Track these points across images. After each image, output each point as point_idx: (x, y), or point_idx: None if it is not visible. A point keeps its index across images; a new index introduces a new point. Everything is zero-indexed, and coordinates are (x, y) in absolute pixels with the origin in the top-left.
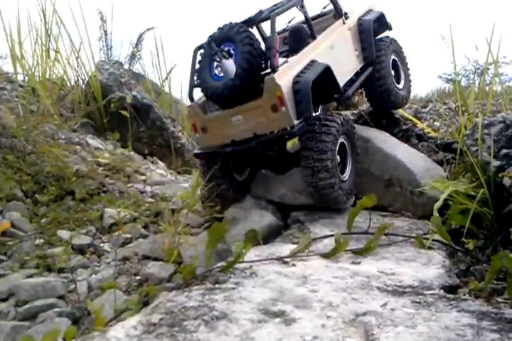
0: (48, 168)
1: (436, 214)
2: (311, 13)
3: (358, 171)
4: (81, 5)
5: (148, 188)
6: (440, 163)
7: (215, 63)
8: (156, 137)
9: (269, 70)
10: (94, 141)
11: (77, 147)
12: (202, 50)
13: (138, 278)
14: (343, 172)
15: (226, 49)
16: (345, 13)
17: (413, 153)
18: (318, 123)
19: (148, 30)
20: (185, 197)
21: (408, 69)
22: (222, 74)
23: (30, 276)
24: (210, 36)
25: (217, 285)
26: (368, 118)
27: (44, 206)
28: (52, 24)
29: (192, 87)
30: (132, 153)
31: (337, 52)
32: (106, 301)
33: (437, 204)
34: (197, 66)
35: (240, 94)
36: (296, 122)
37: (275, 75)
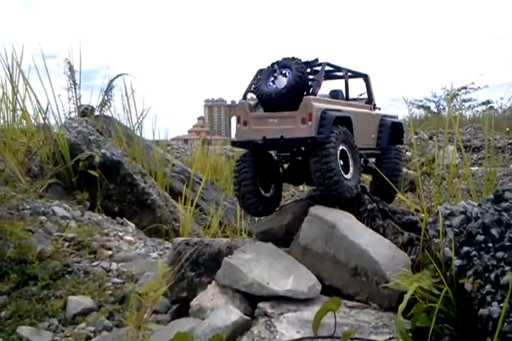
0: (10, 251)
1: (400, 318)
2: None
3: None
4: (45, 61)
5: (114, 266)
6: (406, 245)
7: (272, 78)
8: (126, 194)
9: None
10: (60, 209)
11: (43, 218)
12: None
13: None
14: (346, 172)
15: (283, 72)
16: (375, 104)
17: (378, 240)
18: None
19: (118, 76)
20: (150, 288)
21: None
22: (275, 86)
23: None
24: (274, 61)
25: None
26: None
27: (5, 295)
28: (19, 84)
29: (247, 91)
30: (100, 217)
31: (358, 121)
32: None
33: (401, 307)
34: (255, 80)
35: (283, 102)
36: (314, 135)
37: (312, 97)
